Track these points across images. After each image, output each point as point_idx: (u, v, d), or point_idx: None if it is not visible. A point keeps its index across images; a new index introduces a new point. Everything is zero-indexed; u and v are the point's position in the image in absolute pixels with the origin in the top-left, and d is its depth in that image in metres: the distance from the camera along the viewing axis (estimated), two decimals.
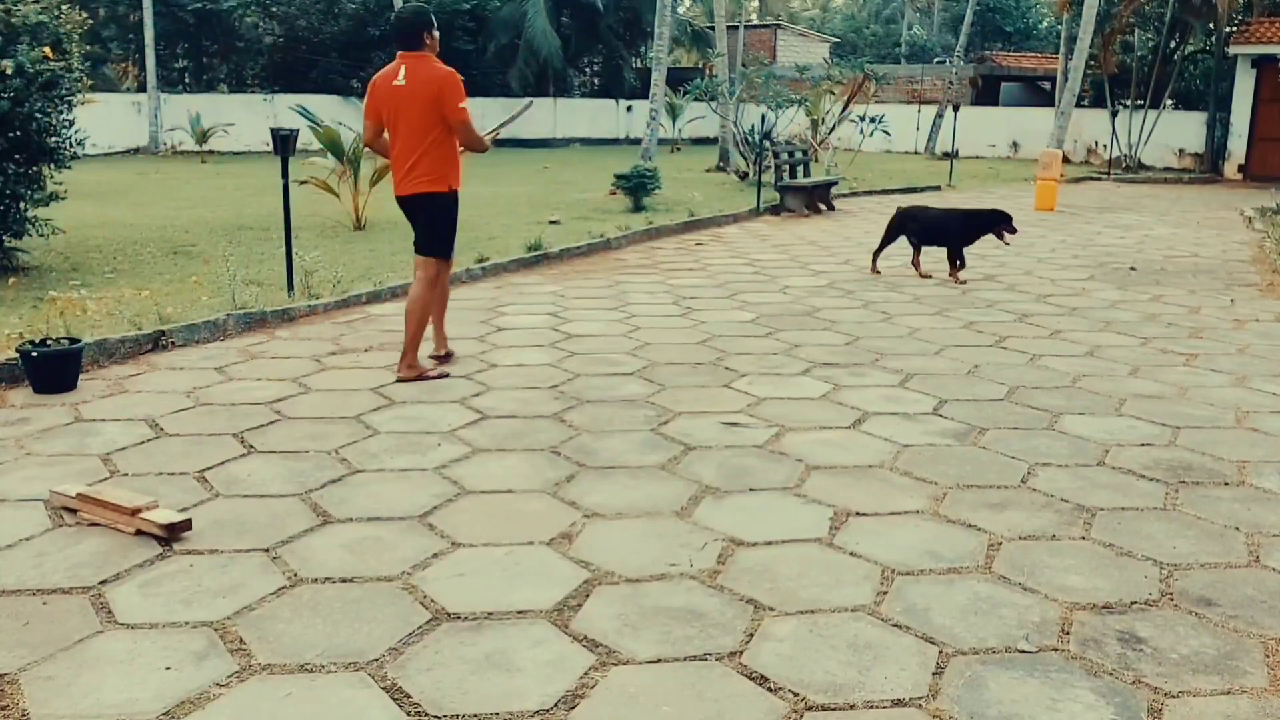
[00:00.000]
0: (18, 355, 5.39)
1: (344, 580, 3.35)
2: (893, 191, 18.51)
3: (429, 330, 6.03)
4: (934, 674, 2.84)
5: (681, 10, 35.71)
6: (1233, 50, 22.77)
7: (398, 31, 5.72)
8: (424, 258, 5.83)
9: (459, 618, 3.12)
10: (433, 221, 5.76)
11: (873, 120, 18.98)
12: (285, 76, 28.42)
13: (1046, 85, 31.59)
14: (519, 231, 11.17)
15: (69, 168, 8.55)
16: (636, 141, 26.80)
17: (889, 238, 9.59)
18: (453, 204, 5.78)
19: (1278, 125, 22.62)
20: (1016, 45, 40.98)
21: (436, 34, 5.71)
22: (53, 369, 5.35)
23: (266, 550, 3.55)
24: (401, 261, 9.27)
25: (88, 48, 9.63)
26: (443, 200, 5.72)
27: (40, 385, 5.33)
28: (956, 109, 21.97)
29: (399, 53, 5.68)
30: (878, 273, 9.53)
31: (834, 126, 20.60)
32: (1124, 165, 24.28)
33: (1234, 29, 22.79)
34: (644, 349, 6.56)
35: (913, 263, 9.58)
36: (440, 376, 5.82)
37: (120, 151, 23.68)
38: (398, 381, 5.67)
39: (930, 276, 9.37)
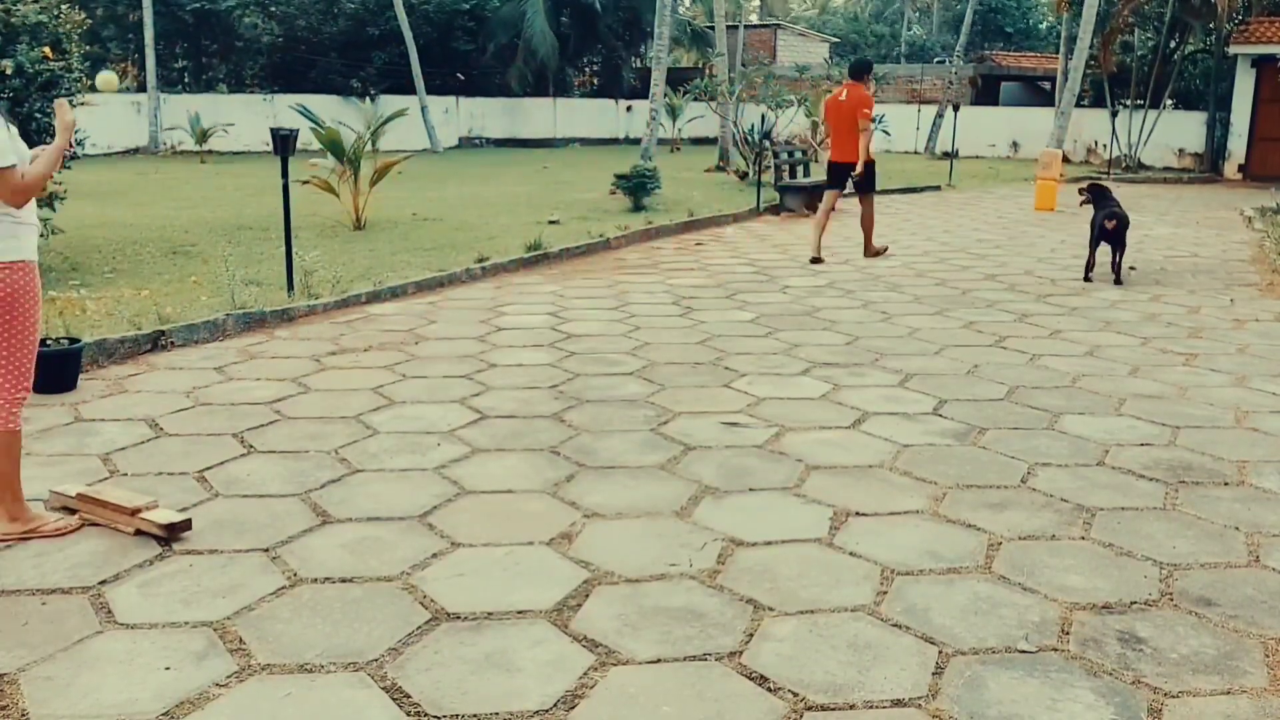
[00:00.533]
0: None
1: (344, 580, 3.35)
2: (892, 191, 18.52)
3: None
4: (934, 674, 2.84)
5: (681, 10, 35.67)
6: (1232, 50, 22.75)
7: (852, 69, 10.64)
8: (864, 195, 10.37)
9: (459, 618, 3.12)
10: (861, 176, 10.14)
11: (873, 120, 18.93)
12: (285, 76, 28.41)
13: (1046, 85, 31.58)
14: (519, 231, 11.17)
15: (69, 168, 8.53)
16: (636, 141, 26.80)
17: (1098, 241, 9.25)
18: (872, 165, 10.21)
19: (1278, 125, 22.59)
20: (1016, 45, 40.97)
21: (872, 78, 10.81)
22: (52, 369, 5.35)
23: (266, 550, 3.55)
24: (400, 261, 9.28)
25: (87, 48, 9.62)
26: (865, 164, 10.19)
27: (40, 385, 5.31)
28: (956, 109, 21.96)
29: (846, 81, 10.56)
30: (1090, 280, 9.28)
31: None
32: (1124, 165, 24.26)
33: (1234, 29, 22.78)
34: (644, 349, 6.56)
35: (1092, 264, 9.42)
36: (887, 251, 10.86)
37: (120, 151, 23.67)
38: (865, 256, 10.60)
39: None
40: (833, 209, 10.59)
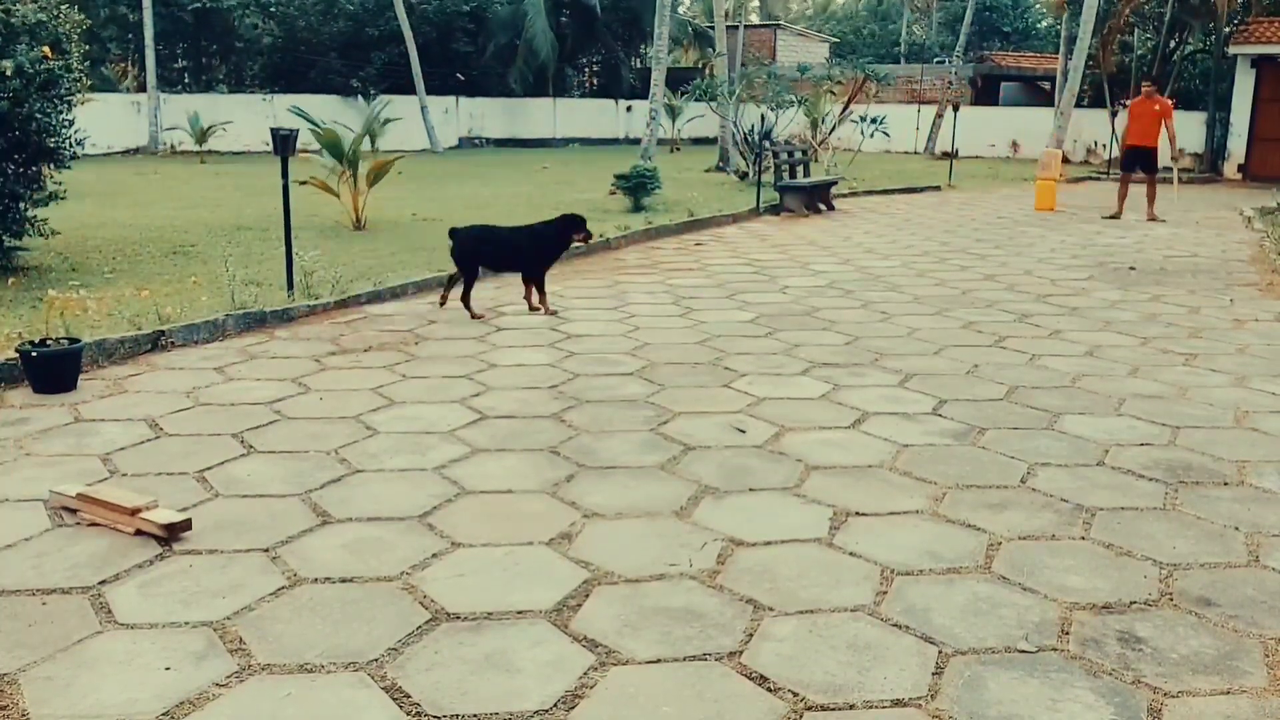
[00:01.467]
0: (17, 355, 5.39)
1: (344, 580, 3.35)
2: (893, 191, 18.53)
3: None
4: (934, 674, 2.84)
5: (681, 10, 35.69)
6: (1232, 50, 22.75)
7: (1153, 82, 16.11)
8: (1149, 176, 14.57)
9: (459, 618, 3.12)
10: (1150, 161, 14.53)
11: (874, 121, 18.92)
12: (284, 76, 28.41)
13: (1046, 85, 31.57)
14: None
15: (69, 168, 8.55)
16: (636, 141, 26.78)
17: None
18: (1155, 153, 14.64)
19: (1277, 125, 22.59)
20: (1015, 45, 40.96)
21: (1164, 100, 15.12)
22: (52, 369, 5.35)
23: (266, 550, 3.55)
24: (399, 261, 9.27)
25: (87, 47, 9.61)
26: (1154, 151, 14.53)
27: (40, 385, 5.33)
28: (956, 109, 21.96)
29: (1147, 88, 14.93)
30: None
31: (834, 127, 20.57)
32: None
33: (1233, 29, 22.78)
34: (643, 349, 6.56)
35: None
36: (1164, 220, 14.28)
37: (120, 151, 23.66)
38: (1147, 220, 14.26)
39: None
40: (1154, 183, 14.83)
